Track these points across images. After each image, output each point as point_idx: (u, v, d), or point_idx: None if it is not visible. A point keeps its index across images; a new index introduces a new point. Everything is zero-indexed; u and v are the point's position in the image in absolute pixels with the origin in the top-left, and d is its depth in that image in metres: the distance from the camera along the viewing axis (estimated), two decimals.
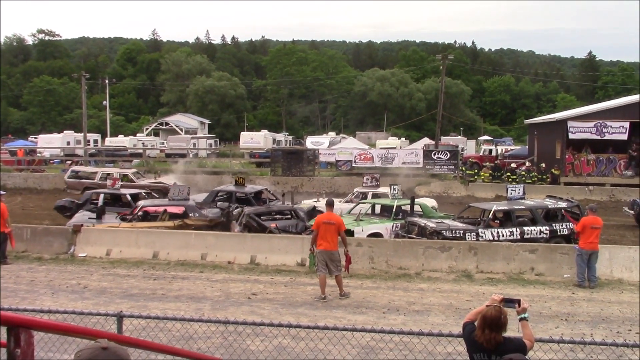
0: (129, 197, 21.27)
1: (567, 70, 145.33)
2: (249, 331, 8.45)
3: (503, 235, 16.53)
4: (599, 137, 33.95)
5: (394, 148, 43.60)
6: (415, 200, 19.93)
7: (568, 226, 17.16)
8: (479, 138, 73.58)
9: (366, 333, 6.98)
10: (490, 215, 16.88)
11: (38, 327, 3.03)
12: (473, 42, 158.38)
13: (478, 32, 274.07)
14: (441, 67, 44.28)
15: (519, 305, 5.27)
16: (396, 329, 6.24)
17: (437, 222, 17.18)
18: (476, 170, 35.62)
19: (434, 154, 36.30)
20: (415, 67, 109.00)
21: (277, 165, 36.90)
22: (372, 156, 37.47)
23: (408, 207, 18.89)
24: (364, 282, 14.08)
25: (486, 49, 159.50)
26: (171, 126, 77.58)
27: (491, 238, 16.35)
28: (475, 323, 5.09)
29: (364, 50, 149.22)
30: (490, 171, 34.79)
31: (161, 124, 79.69)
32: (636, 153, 34.65)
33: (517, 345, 5.03)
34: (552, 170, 34.02)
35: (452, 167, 35.60)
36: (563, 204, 18.18)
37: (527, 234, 16.77)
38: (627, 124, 33.40)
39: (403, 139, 64.66)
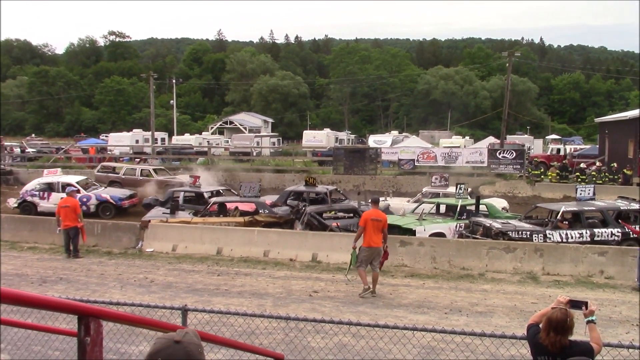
0: (208, 195, 21.87)
1: None
2: (309, 328, 8.51)
3: (572, 237, 16.14)
4: None
5: (458, 147, 42.91)
6: (482, 200, 19.62)
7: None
8: (547, 137, 71.63)
9: (427, 333, 6.92)
10: (558, 216, 16.50)
11: (106, 317, 3.15)
12: (541, 39, 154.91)
13: (546, 28, 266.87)
14: (507, 65, 43.32)
15: (586, 308, 5.11)
16: (458, 330, 6.16)
17: (503, 223, 16.89)
18: (542, 170, 34.67)
19: (499, 153, 35.56)
20: (480, 65, 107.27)
21: (339, 164, 36.93)
22: (435, 155, 37.03)
23: (473, 207, 18.63)
24: (426, 282, 13.96)
25: (555, 46, 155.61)
26: (235, 125, 78.78)
27: (559, 240, 15.98)
28: (540, 325, 4.99)
29: (428, 48, 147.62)
30: (557, 171, 33.82)
31: (226, 122, 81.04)
32: None
33: (583, 349, 4.90)
34: (624, 170, 32.80)
35: (518, 166, 34.78)
36: (636, 206, 17.54)
37: (598, 236, 16.30)
38: None
39: (467, 137, 63.54)
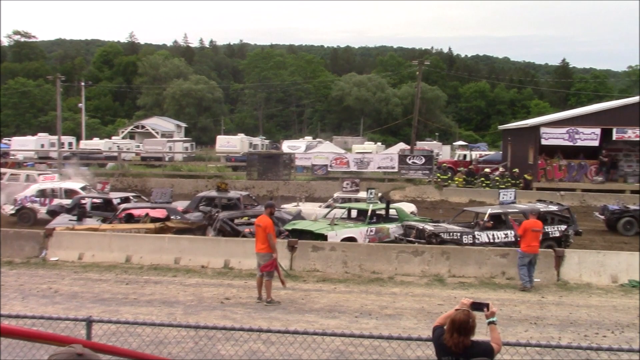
0: (117, 201, 21.21)
1: (541, 76, 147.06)
2: (219, 336, 8.41)
3: (498, 238, 17.12)
4: (571, 143, 34.43)
5: (370, 153, 43.71)
6: (393, 204, 20.04)
7: (559, 229, 18.00)
8: (454, 143, 74.08)
9: (337, 337, 6.99)
10: (485, 218, 17.40)
11: (4, 334, 2.98)
12: (450, 48, 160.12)
13: (455, 38, 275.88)
14: (417, 73, 44.56)
15: (488, 309, 5.31)
16: (366, 333, 6.26)
17: (435, 225, 17.52)
18: (450, 175, 35.87)
19: (409, 159, 36.48)
20: (392, 73, 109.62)
21: (253, 169, 36.80)
22: (348, 161, 37.52)
23: (383, 212, 19.03)
24: (337, 286, 14.11)
25: (462, 55, 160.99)
26: (147, 129, 77.00)
27: (487, 240, 16.95)
28: (445, 327, 5.14)
29: (342, 55, 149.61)
30: (464, 176, 35.09)
31: (137, 127, 79.05)
32: (607, 159, 35.21)
33: (484, 349, 5.09)
34: (525, 175, 34.43)
35: (427, 171, 35.79)
36: (554, 207, 18.93)
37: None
38: (598, 131, 33.94)
39: (379, 143, 64.87)
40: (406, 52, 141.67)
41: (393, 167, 36.88)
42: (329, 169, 37.22)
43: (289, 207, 22.68)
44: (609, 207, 24.29)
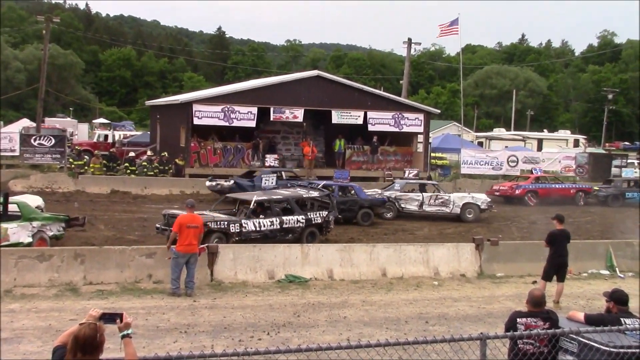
0: None
1: (195, 46, 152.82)
2: None
3: (264, 226, 19.48)
4: (227, 124, 36.39)
5: None
6: (13, 198, 18.80)
7: (321, 215, 20.81)
8: (94, 121, 72.91)
9: None
10: (251, 206, 19.55)
11: None
12: (87, 5, 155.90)
13: None
14: (44, 32, 42.59)
15: (121, 321, 5.28)
16: None
17: (201, 214, 17.94)
18: (86, 160, 35.15)
19: (35, 140, 34.74)
20: (12, 29, 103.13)
21: None
22: None
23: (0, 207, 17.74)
24: None
25: (103, 14, 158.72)
26: None
27: (254, 228, 19.20)
28: (68, 346, 4.97)
29: None
30: (103, 161, 34.61)
31: None
32: (262, 142, 38.18)
33: None
34: (177, 160, 35.33)
35: (59, 155, 34.51)
36: (315, 194, 22.16)
37: (287, 224, 19.95)
38: (255, 110, 36.45)
39: None
40: (32, 5, 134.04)
41: (13, 150, 34.91)
42: None
43: None
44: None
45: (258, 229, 19.33)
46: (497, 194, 33.87)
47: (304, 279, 16.21)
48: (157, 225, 19.89)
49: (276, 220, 19.69)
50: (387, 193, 27.79)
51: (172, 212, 19.66)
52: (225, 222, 18.89)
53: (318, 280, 16.40)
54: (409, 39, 48.70)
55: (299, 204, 21.00)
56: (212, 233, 18.23)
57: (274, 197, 20.76)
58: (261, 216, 19.84)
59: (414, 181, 30.34)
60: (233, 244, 17.93)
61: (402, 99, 43.41)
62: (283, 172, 30.81)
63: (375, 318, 13.35)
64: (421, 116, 40.10)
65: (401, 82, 55.36)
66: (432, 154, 43.15)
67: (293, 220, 20.15)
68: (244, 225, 19.06)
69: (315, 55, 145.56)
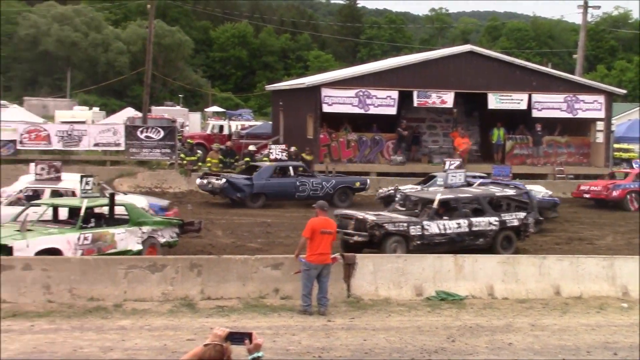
0: None
1: (322, 19, 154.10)
2: None
3: (450, 229, 19.84)
4: (362, 111, 36.53)
5: (83, 122, 42.57)
6: (120, 199, 19.74)
7: (518, 216, 21.05)
8: (207, 110, 74.73)
9: None
10: (435, 206, 19.97)
11: None
12: None
13: None
14: (149, 6, 44.14)
15: (250, 341, 5.41)
16: None
17: (377, 215, 19.31)
18: (200, 155, 36.22)
19: (142, 132, 36.18)
20: (112, 4, 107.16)
21: None
22: (49, 134, 36.23)
23: (105, 210, 18.69)
24: (36, 323, 13.61)
25: None
26: None
27: (438, 231, 19.68)
28: None
29: None
30: (220, 156, 35.40)
31: None
32: (407, 132, 37.90)
33: None
34: (303, 154, 35.63)
35: (169, 150, 35.77)
36: (511, 192, 22.70)
37: (476, 226, 20.33)
38: (395, 94, 36.42)
39: (96, 109, 63.42)
40: None
41: (118, 144, 36.36)
42: (19, 147, 35.66)
43: None
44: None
45: (443, 232, 19.83)
46: (587, 196, 32.28)
47: (459, 296, 16.17)
48: None
49: (464, 222, 20.11)
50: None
51: (345, 212, 20.72)
52: (405, 224, 19.47)
53: (475, 298, 16.32)
54: (585, 2, 47.41)
55: (491, 204, 21.33)
56: (389, 236, 19.03)
57: (462, 195, 21.23)
58: (445, 217, 20.20)
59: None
60: (412, 249, 19.01)
61: (576, 78, 42.31)
62: (291, 167, 30.80)
63: (548, 346, 13.17)
64: (601, 98, 38.85)
65: (575, 56, 53.97)
66: (616, 145, 41.72)
67: (484, 222, 20.48)
68: (426, 227, 19.50)
69: (465, 27, 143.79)
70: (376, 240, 19.28)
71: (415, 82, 37.11)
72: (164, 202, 24.20)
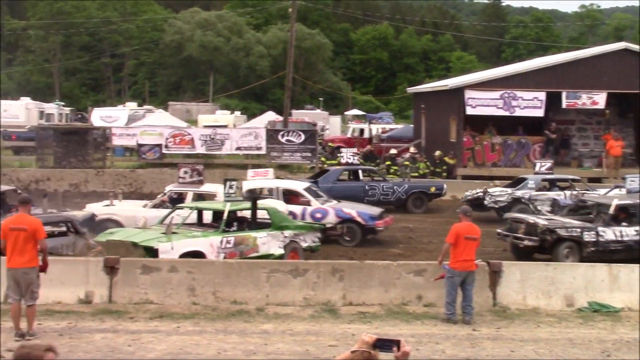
0: None
1: (464, 18, 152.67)
2: None
3: (628, 236, 19.38)
4: (507, 113, 35.97)
5: (225, 126, 43.62)
6: (262, 203, 20.08)
7: None
8: (347, 113, 75.21)
9: None
10: (611, 211, 19.63)
11: None
12: None
13: None
14: (290, 10, 44.71)
15: (399, 349, 5.40)
16: None
17: (550, 219, 19.45)
18: (340, 159, 36.44)
19: (283, 136, 36.72)
20: (254, 9, 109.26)
21: (47, 152, 35.65)
22: (192, 138, 37.23)
23: (247, 213, 19.06)
24: (182, 325, 14.00)
25: None
26: None
27: (614, 238, 19.28)
28: None
29: None
30: (361, 160, 35.60)
31: None
32: (555, 135, 37.08)
33: None
34: (446, 158, 35.49)
35: (309, 154, 36.17)
36: None
37: None
38: (542, 95, 35.69)
39: (238, 113, 64.80)
40: None
41: (259, 148, 37.00)
42: (164, 151, 36.75)
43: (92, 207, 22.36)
44: (560, 202, 25.65)
45: (619, 238, 19.34)
46: None
47: (614, 308, 15.62)
48: (498, 231, 20.83)
49: None
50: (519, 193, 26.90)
51: (516, 216, 20.66)
52: (579, 230, 19.18)
53: (632, 311, 15.68)
54: None
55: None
56: (561, 242, 18.85)
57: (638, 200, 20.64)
58: (623, 224, 19.73)
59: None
60: (585, 256, 18.72)
61: None
62: (360, 171, 30.20)
63: None
64: None
65: None
66: None
67: None
68: (600, 233, 19.14)
69: (619, 23, 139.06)
70: (547, 246, 19.16)
71: (564, 83, 36.23)
72: (375, 210, 23.98)
